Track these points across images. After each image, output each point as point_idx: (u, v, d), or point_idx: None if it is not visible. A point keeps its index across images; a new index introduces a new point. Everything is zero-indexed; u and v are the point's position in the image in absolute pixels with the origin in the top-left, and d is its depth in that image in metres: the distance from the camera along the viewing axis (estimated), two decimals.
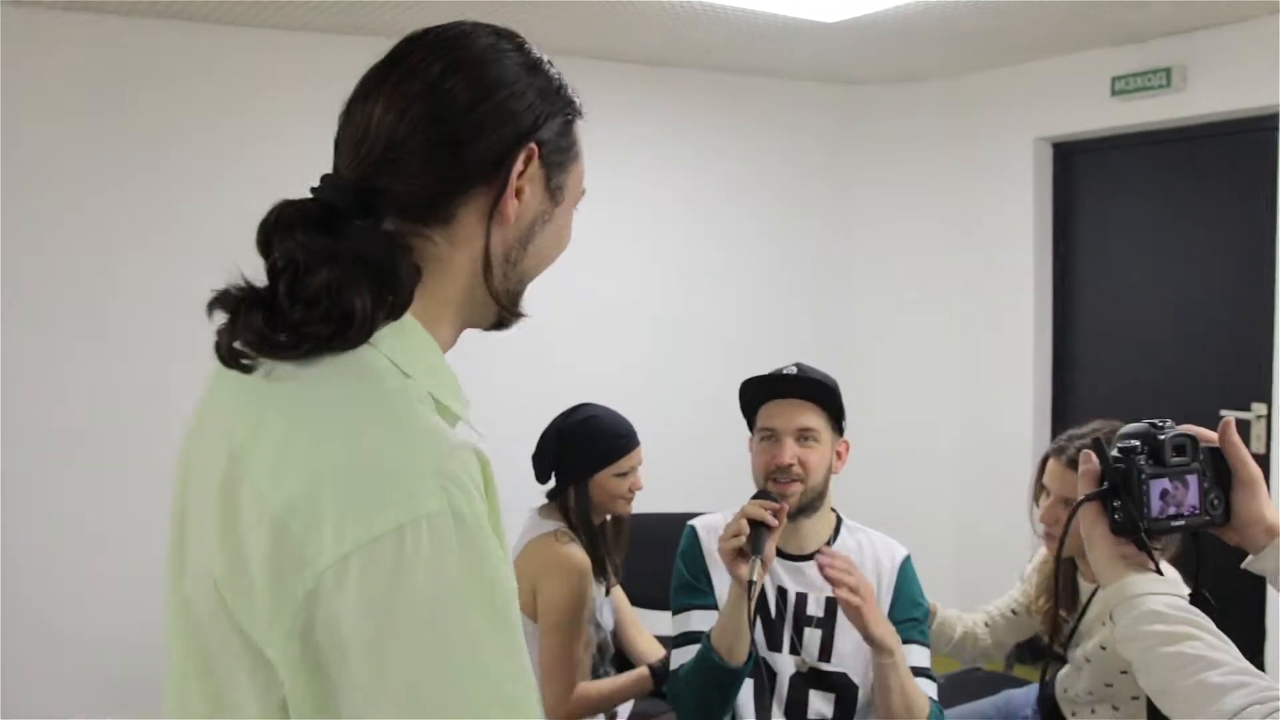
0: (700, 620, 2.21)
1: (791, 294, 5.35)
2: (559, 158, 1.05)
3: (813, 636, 2.21)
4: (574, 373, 4.47)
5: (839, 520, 2.34)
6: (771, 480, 2.19)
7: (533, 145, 1.01)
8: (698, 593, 2.25)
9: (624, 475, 2.66)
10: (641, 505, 2.80)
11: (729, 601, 2.08)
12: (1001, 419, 5.15)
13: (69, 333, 3.83)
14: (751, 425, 2.30)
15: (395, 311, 0.96)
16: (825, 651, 2.21)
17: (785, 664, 2.20)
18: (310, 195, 1.00)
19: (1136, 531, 1.31)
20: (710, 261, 5.12)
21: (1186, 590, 1.31)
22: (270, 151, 4.06)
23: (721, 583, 2.22)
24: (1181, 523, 1.32)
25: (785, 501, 2.12)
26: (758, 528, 2.05)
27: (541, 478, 2.71)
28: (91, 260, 3.86)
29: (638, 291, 4.91)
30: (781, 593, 2.23)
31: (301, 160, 4.49)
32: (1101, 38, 4.44)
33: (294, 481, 0.87)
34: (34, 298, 3.77)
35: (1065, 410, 4.98)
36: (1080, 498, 1.35)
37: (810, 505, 2.23)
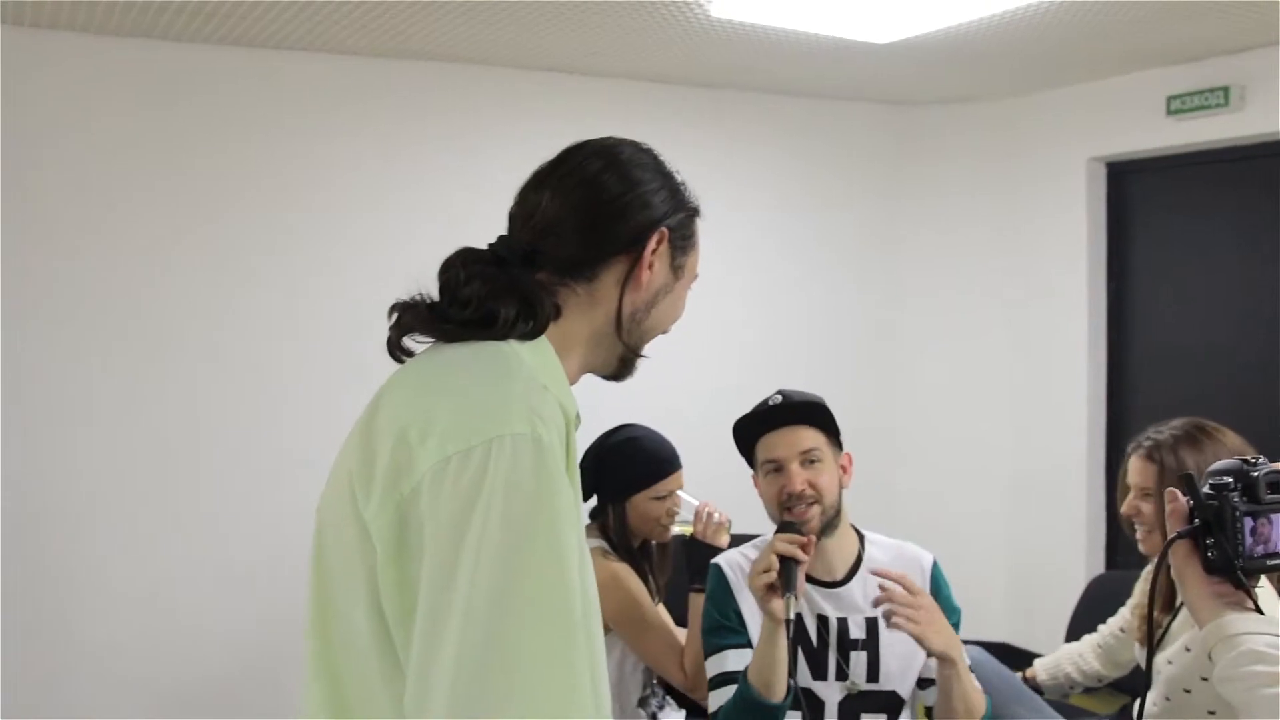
0: (735, 660, 2.18)
1: (841, 314, 5.32)
2: (682, 243, 1.33)
3: (859, 659, 2.19)
4: (624, 390, 4.48)
5: (861, 537, 2.33)
6: (786, 510, 2.18)
7: (664, 229, 1.29)
8: (730, 632, 2.22)
9: (662, 499, 2.62)
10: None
11: (762, 637, 2.06)
12: (1054, 442, 5.09)
13: (86, 334, 3.89)
14: (752, 463, 2.29)
15: (534, 332, 1.21)
16: (873, 672, 2.19)
17: (833, 691, 2.17)
18: (486, 248, 1.27)
19: (1232, 570, 1.29)
20: (759, 282, 5.11)
21: None
22: (282, 170, 4.14)
23: (753, 619, 2.20)
24: (1277, 561, 1.30)
25: (810, 534, 2.11)
26: (787, 563, 2.03)
27: (583, 497, 2.68)
28: (109, 269, 3.94)
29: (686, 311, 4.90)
30: (823, 620, 2.21)
31: (310, 174, 4.50)
32: (1157, 57, 4.40)
33: (418, 405, 1.13)
34: (53, 301, 3.86)
35: (1120, 433, 4.91)
36: (1171, 536, 1.34)
37: (830, 525, 2.22)
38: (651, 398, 4.26)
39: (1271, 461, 1.38)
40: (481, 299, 1.19)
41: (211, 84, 4.03)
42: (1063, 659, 2.80)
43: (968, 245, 5.36)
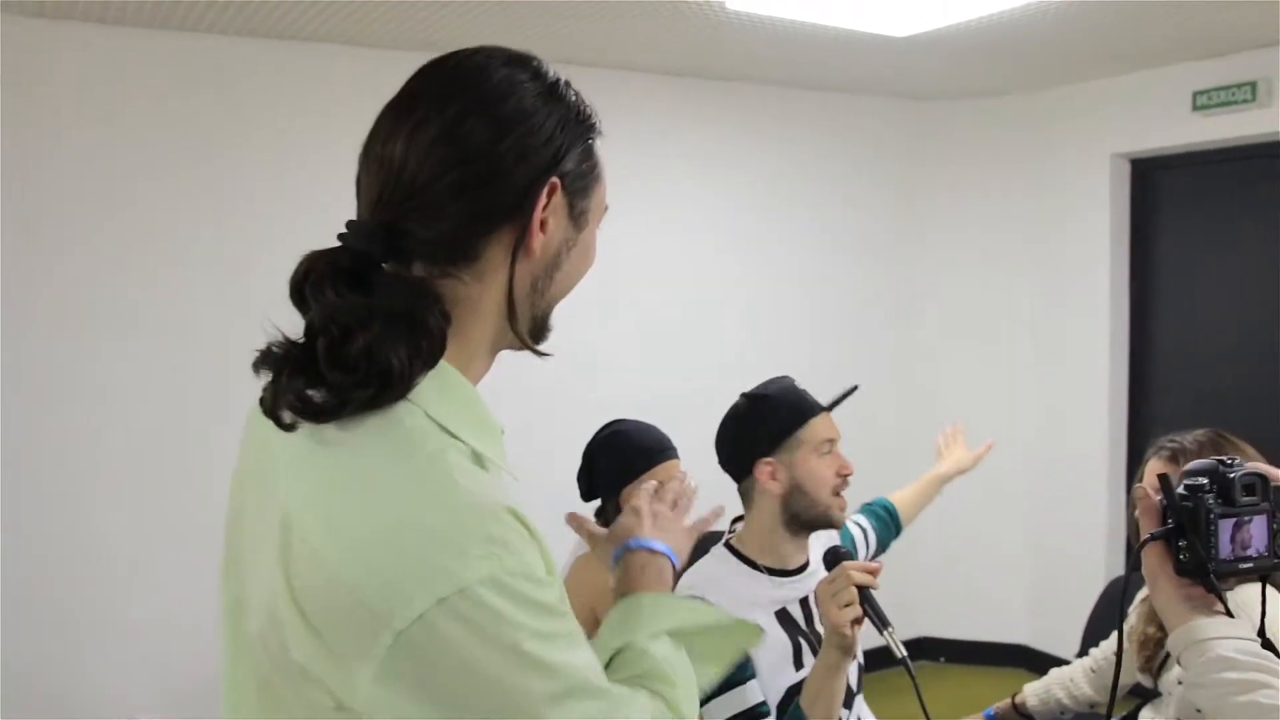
0: (756, 692, 2.04)
1: (861, 311, 5.28)
2: (581, 184, 1.05)
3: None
4: (627, 391, 4.44)
5: None
6: (835, 493, 2.17)
7: (555, 179, 1.01)
8: (739, 666, 2.03)
9: None
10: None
11: (829, 669, 1.94)
12: (1075, 442, 5.03)
13: (98, 327, 3.86)
14: (778, 444, 2.18)
15: (430, 360, 0.97)
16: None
17: (852, 673, 2.14)
18: (339, 244, 1.00)
19: (1205, 573, 1.25)
20: (778, 278, 5.07)
21: (1255, 633, 1.25)
22: (300, 164, 4.11)
23: (760, 650, 2.06)
24: (1250, 565, 1.26)
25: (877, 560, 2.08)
26: (867, 593, 1.92)
27: (585, 496, 2.66)
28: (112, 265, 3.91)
29: (699, 308, 4.88)
30: (804, 603, 2.17)
31: (329, 168, 4.44)
32: (1183, 51, 4.33)
33: (348, 548, 0.90)
34: (65, 292, 3.84)
35: (1141, 434, 4.84)
36: (1143, 537, 1.30)
37: None
38: (658, 397, 4.23)
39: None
40: (371, 354, 0.93)
41: (228, 76, 4.01)
42: (1053, 684, 2.74)
43: (988, 243, 5.30)
